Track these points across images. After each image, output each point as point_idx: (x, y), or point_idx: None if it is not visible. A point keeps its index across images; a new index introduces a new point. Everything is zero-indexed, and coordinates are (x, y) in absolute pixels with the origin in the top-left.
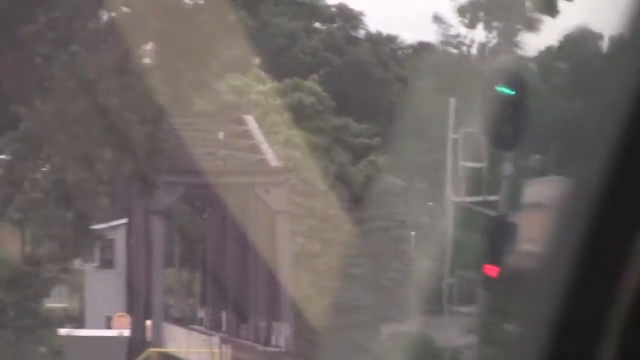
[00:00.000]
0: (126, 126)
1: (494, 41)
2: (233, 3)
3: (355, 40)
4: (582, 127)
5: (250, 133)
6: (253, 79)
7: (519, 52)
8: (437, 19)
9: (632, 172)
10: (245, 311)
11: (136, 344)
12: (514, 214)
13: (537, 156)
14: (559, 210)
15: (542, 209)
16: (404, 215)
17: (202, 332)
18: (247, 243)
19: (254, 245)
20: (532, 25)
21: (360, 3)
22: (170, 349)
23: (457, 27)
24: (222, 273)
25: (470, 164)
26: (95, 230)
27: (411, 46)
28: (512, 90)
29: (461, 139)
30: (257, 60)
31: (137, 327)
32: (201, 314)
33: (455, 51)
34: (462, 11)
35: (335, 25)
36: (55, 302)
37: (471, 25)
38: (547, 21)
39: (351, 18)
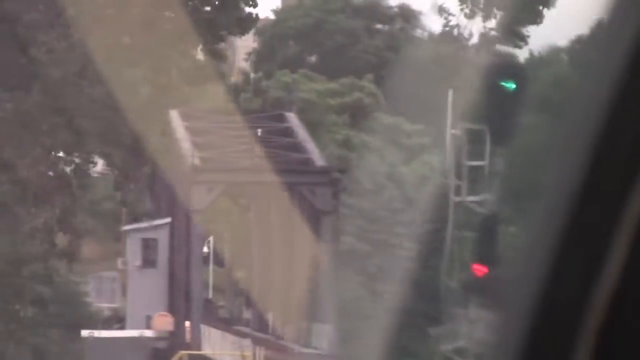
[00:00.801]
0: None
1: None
2: None
3: (415, 40)
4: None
5: (293, 131)
6: (304, 77)
7: (521, 43)
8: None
9: (606, 171)
10: (287, 312)
11: (173, 345)
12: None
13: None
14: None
15: None
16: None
17: (244, 334)
18: (292, 243)
19: (298, 245)
20: (532, 17)
21: (421, 3)
22: (204, 351)
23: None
24: (267, 273)
25: (472, 162)
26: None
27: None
28: (513, 84)
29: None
30: (312, 58)
31: (176, 327)
32: (247, 314)
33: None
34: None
35: (397, 26)
36: (107, 302)
37: (471, 16)
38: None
39: (412, 18)
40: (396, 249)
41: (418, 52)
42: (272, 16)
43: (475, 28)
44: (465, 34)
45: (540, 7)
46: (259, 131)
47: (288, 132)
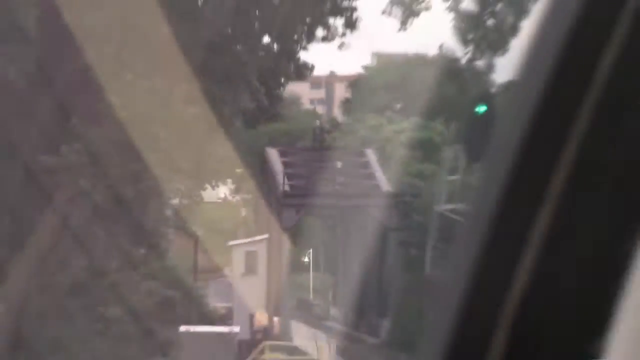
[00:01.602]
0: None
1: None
2: None
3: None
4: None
5: (369, 164)
6: (387, 119)
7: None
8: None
9: (522, 177)
10: (364, 308)
11: (265, 337)
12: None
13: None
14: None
15: None
16: None
17: (327, 327)
18: (367, 252)
19: (372, 255)
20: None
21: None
22: (287, 342)
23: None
24: (349, 277)
25: (449, 177)
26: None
27: None
28: (485, 108)
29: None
30: (398, 105)
31: (270, 323)
32: (333, 311)
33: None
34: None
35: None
36: (223, 302)
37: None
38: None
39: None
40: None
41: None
42: (363, 71)
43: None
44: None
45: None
46: (339, 164)
47: (364, 165)
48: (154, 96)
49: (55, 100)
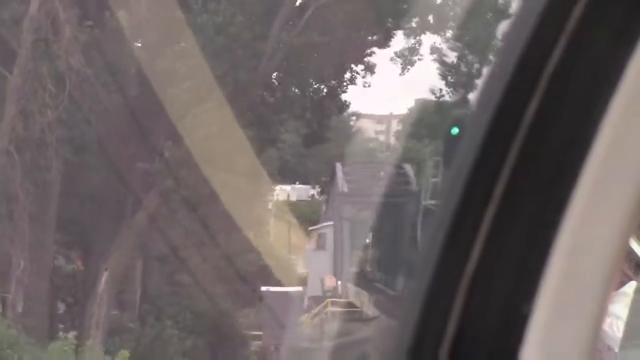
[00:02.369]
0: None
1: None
2: None
3: None
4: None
5: (405, 173)
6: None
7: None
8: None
9: (477, 178)
10: (403, 274)
11: (330, 297)
12: None
13: None
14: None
15: None
16: None
17: (376, 288)
18: (401, 234)
19: (404, 235)
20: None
21: None
22: (345, 299)
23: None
24: (393, 253)
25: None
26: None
27: None
28: (457, 130)
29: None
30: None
31: (335, 286)
32: (379, 275)
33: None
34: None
35: None
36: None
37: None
38: None
39: None
40: None
41: None
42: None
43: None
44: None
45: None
46: (383, 173)
47: (402, 174)
48: (221, 121)
49: (147, 123)
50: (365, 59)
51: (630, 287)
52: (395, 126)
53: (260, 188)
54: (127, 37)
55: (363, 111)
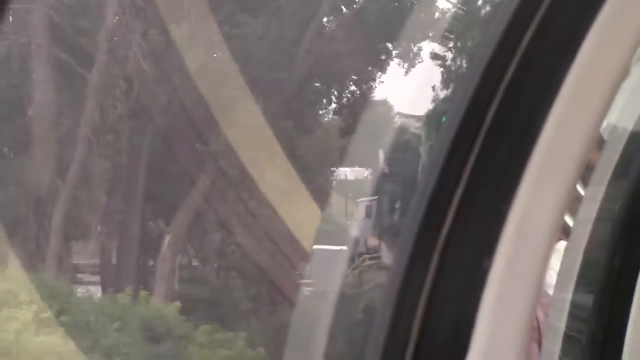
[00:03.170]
0: None
1: None
2: None
3: None
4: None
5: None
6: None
7: None
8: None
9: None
10: None
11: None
12: None
13: None
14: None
15: None
16: None
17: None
18: None
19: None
20: None
21: None
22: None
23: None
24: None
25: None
26: None
27: None
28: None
29: None
30: None
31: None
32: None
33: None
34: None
35: None
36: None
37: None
38: None
39: None
40: None
41: None
42: None
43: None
44: None
45: None
46: (413, 157)
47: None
48: (265, 114)
49: (201, 115)
50: (388, 63)
51: (561, 245)
52: (418, 122)
53: (318, 169)
54: (183, 44)
55: (395, 108)
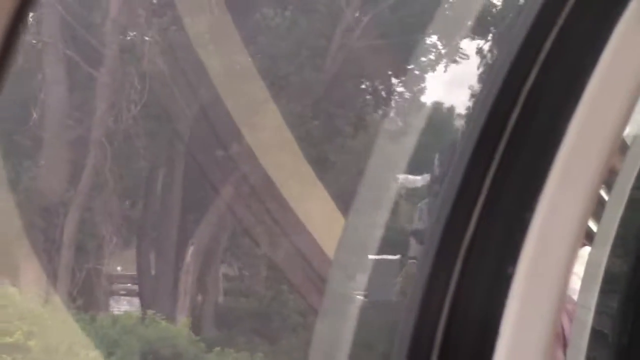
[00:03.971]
0: None
1: None
2: None
3: None
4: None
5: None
6: None
7: None
8: None
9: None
10: None
11: None
12: None
13: None
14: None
15: None
16: None
17: None
18: None
19: None
20: None
21: None
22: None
23: None
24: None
25: None
26: None
27: None
28: None
29: None
30: None
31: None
32: None
33: None
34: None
35: None
36: None
37: None
38: None
39: None
40: None
41: None
42: None
43: None
44: None
45: None
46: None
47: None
48: (290, 116)
49: (222, 117)
50: (419, 61)
51: (585, 250)
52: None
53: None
54: (201, 40)
55: (441, 107)
